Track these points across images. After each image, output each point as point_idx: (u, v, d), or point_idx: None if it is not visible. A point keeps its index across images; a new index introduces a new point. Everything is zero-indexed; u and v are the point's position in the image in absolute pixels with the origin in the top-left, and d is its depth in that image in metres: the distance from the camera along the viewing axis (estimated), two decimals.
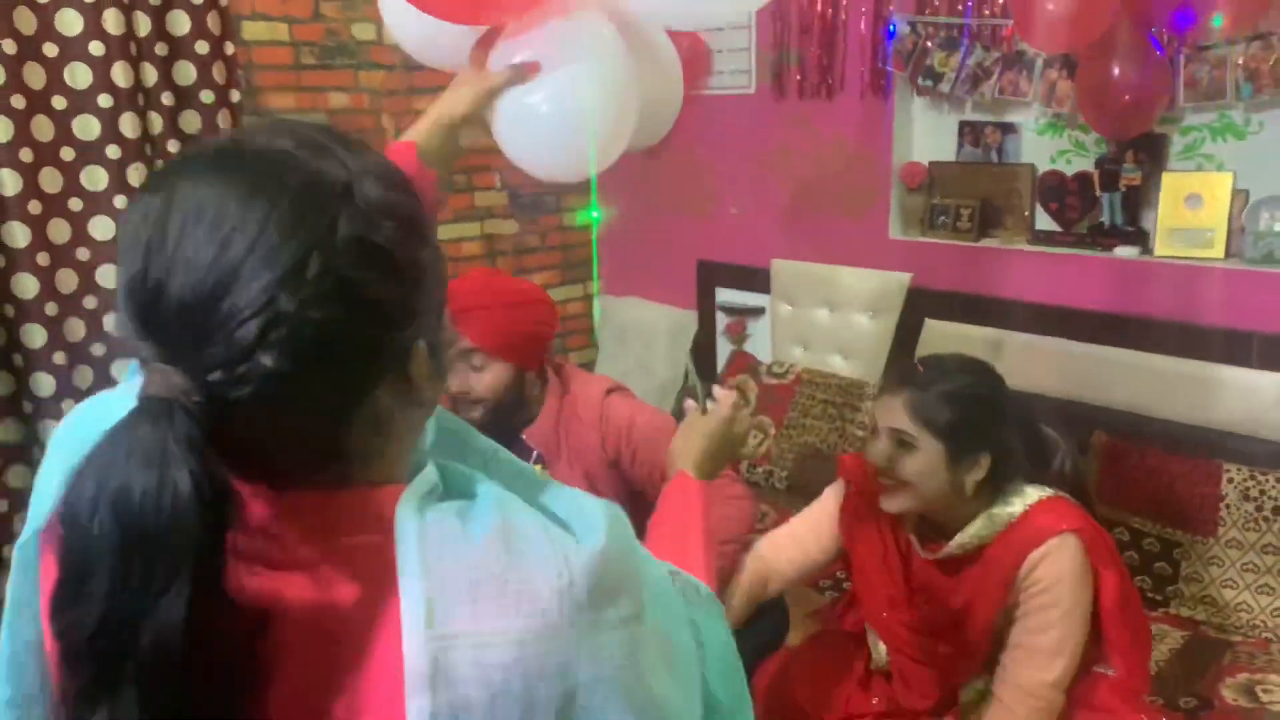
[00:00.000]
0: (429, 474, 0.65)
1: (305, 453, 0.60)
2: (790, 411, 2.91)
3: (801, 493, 2.78)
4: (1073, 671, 1.53)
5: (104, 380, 2.55)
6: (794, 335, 3.09)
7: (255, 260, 0.55)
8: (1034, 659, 1.51)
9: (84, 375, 2.53)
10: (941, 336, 2.70)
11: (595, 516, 0.65)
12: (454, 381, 1.73)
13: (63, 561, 0.55)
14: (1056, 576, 1.49)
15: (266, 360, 0.55)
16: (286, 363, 0.55)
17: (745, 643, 1.49)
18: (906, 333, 2.82)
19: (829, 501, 1.77)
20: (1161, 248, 2.38)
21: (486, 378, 1.77)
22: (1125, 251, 2.44)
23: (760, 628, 1.79)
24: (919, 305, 2.80)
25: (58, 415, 2.47)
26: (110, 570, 0.53)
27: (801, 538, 1.77)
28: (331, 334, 0.57)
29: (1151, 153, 2.40)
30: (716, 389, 1.33)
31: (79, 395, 2.51)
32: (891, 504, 1.56)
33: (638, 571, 0.65)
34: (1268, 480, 2.08)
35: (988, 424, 1.53)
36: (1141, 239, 2.44)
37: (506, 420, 1.80)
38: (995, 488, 1.55)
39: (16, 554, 0.71)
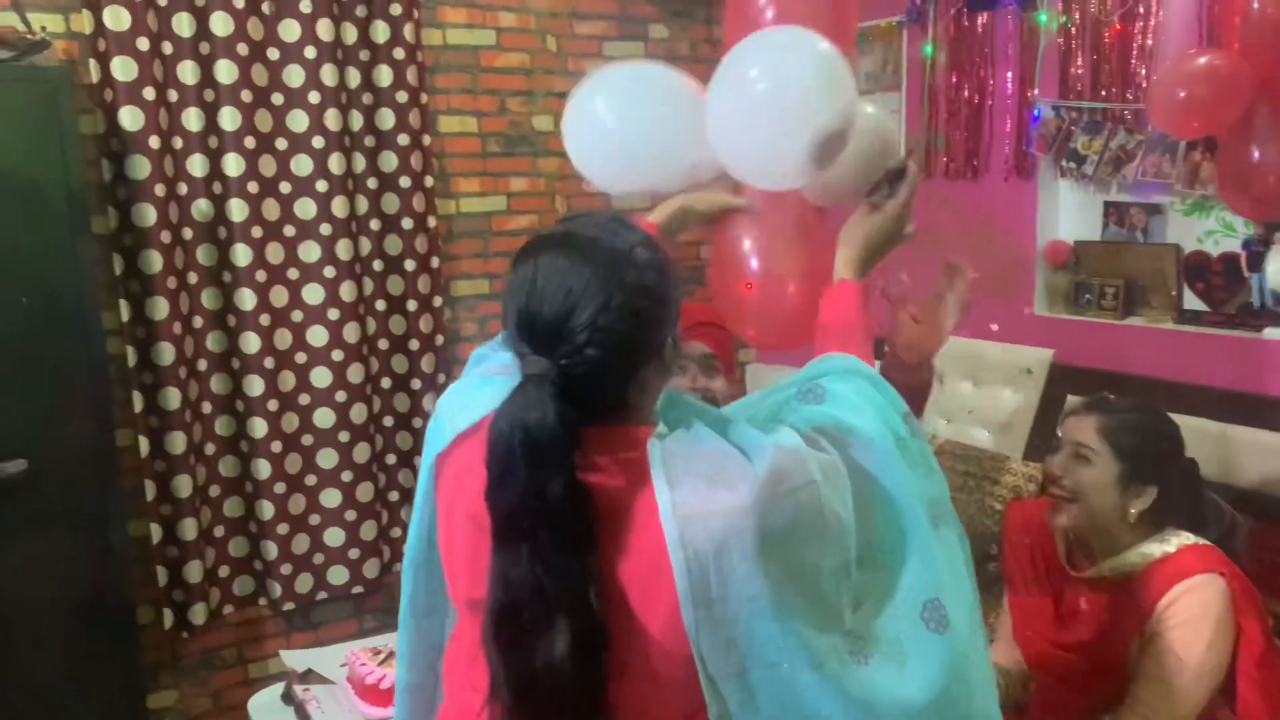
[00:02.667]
0: (659, 423, 1.05)
1: (609, 400, 1.01)
2: None
3: None
4: (1197, 713, 1.56)
5: (305, 384, 2.93)
6: (936, 407, 3.16)
7: (585, 299, 0.97)
8: (1165, 693, 1.56)
9: (287, 379, 2.91)
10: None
11: (765, 448, 0.99)
12: (689, 382, 1.89)
13: (491, 466, 0.97)
14: (1198, 613, 1.56)
15: (591, 352, 0.97)
16: (601, 353, 0.97)
17: None
18: (1049, 408, 2.84)
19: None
20: None
21: (719, 381, 2.00)
22: (1275, 333, 2.41)
23: None
24: (1062, 381, 2.82)
25: (264, 412, 2.87)
26: (523, 467, 0.95)
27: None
28: (626, 337, 0.99)
29: None
30: (909, 163, 1.40)
31: (283, 397, 2.91)
32: (1060, 517, 1.71)
33: (799, 466, 1.00)
34: None
35: (1161, 459, 1.68)
36: None
37: None
38: (1154, 524, 1.67)
39: (423, 476, 1.19)
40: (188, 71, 2.68)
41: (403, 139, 3.01)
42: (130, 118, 2.57)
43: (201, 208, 2.75)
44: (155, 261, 2.63)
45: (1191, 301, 2.63)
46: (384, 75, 2.97)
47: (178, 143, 2.70)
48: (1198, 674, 1.55)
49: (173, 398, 2.69)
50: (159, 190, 2.63)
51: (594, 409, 0.99)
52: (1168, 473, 1.68)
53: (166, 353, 2.67)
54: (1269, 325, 2.43)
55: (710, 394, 1.97)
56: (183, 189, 2.72)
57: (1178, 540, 1.64)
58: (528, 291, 0.99)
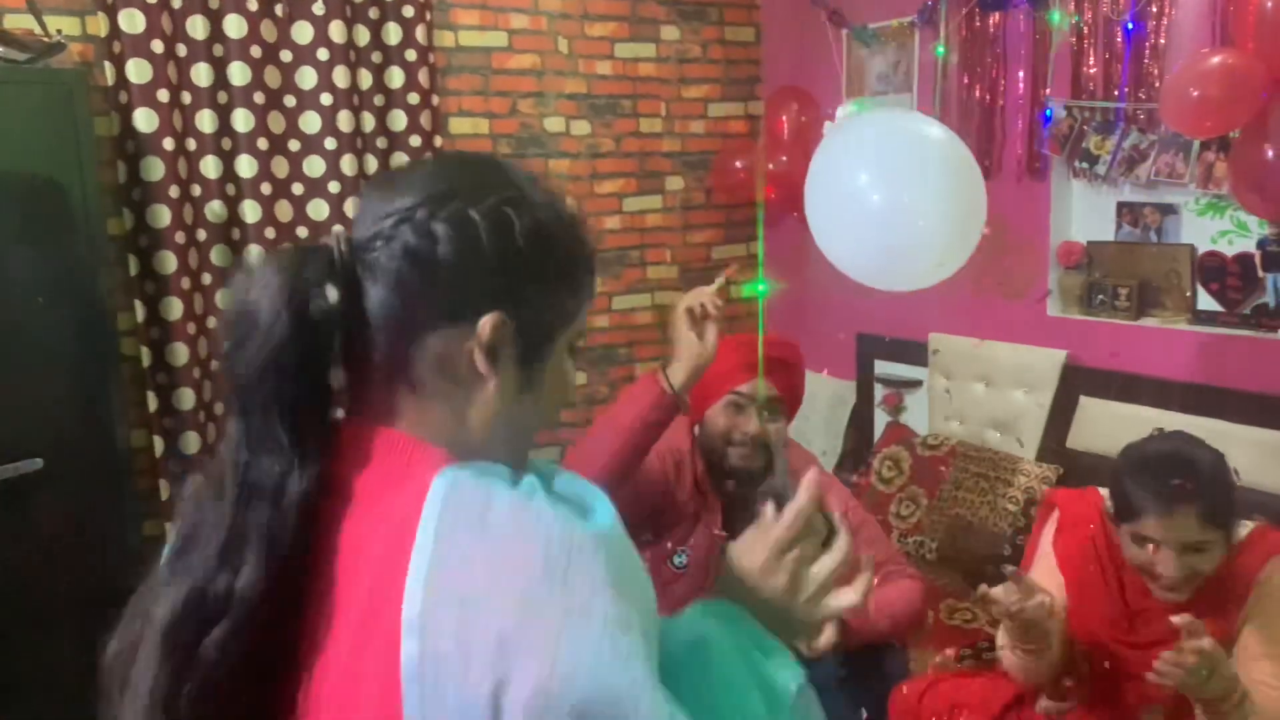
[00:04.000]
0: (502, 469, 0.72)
1: (381, 347, 0.75)
2: (944, 484, 2.96)
3: (952, 564, 2.82)
4: None
5: None
6: (950, 409, 3.15)
7: (417, 192, 0.76)
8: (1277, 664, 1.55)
9: None
10: (1097, 414, 2.71)
11: (598, 500, 0.72)
12: (746, 425, 1.88)
13: (238, 324, 0.75)
14: None
15: (379, 256, 0.74)
16: (389, 265, 0.74)
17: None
18: (1061, 409, 2.83)
19: (1044, 542, 1.86)
20: None
21: (778, 427, 1.93)
22: None
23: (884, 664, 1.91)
24: (1075, 382, 2.81)
25: None
26: (284, 328, 0.73)
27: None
28: (422, 261, 0.73)
29: None
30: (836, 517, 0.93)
31: None
32: (1182, 595, 1.61)
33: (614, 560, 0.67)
34: None
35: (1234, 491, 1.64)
36: None
37: (762, 469, 1.93)
38: None
39: None
40: (201, 74, 2.69)
41: (415, 140, 3.02)
42: (145, 119, 2.59)
43: (215, 209, 2.77)
44: (170, 262, 2.65)
45: (1206, 302, 2.62)
46: (396, 77, 2.98)
47: (191, 144, 2.72)
48: None
49: (187, 398, 2.70)
50: (173, 192, 2.64)
51: (362, 346, 0.74)
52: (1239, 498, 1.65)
53: (181, 353, 2.68)
54: None
55: (764, 438, 1.90)
56: (196, 190, 2.74)
57: (1243, 527, 1.66)
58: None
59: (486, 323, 0.74)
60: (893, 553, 2.06)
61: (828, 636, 1.55)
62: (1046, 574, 1.80)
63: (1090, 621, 1.74)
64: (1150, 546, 1.60)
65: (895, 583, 1.93)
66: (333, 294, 0.72)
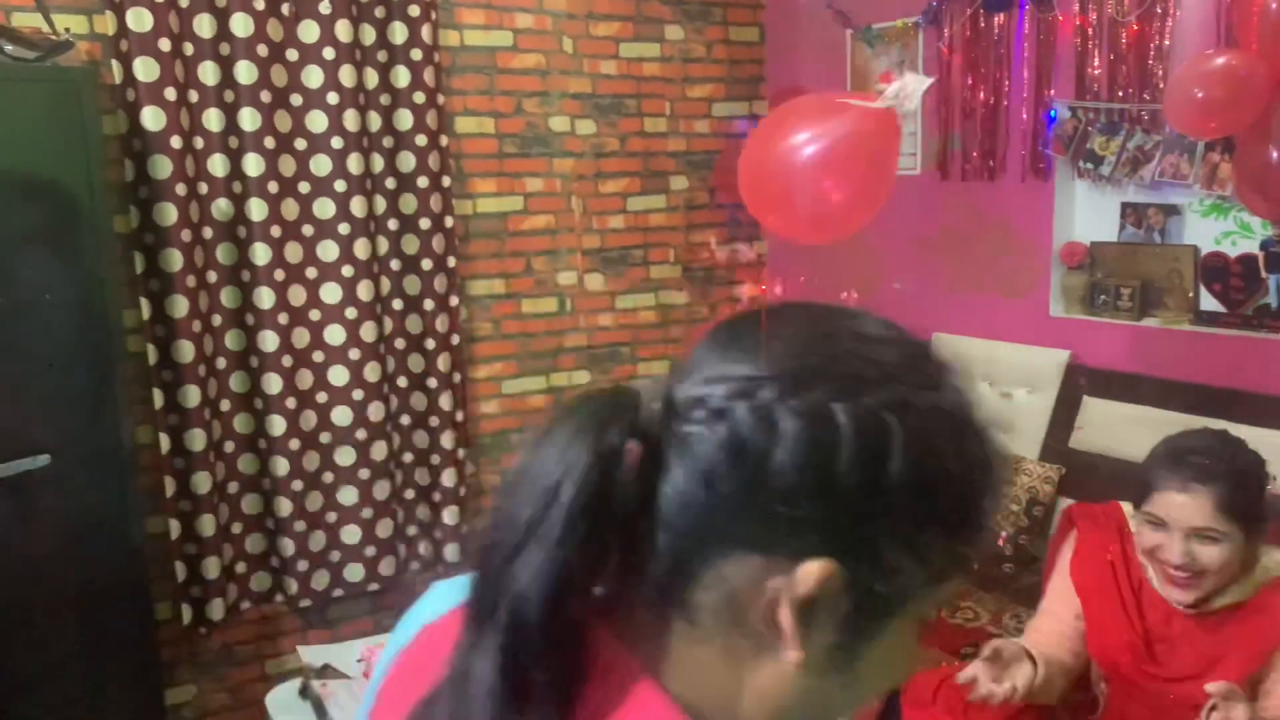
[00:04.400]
0: None
1: (648, 553, 0.55)
2: None
3: None
4: None
5: (323, 382, 2.96)
6: None
7: (745, 364, 0.55)
8: None
9: (305, 378, 2.94)
10: (1100, 415, 2.71)
11: None
12: None
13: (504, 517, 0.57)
14: None
15: (695, 431, 0.54)
16: (701, 449, 0.54)
17: None
18: (1065, 410, 2.84)
19: (1062, 562, 1.82)
20: None
21: None
22: None
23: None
24: (1078, 382, 2.82)
25: (282, 410, 2.89)
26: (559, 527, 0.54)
27: (1053, 612, 1.80)
28: (742, 460, 0.53)
29: None
30: None
31: (301, 395, 2.93)
32: (1187, 594, 1.57)
33: None
34: None
35: (1264, 493, 1.57)
36: None
37: None
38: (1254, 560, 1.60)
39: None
40: (208, 72, 2.71)
41: (420, 139, 3.03)
42: (152, 118, 2.60)
43: (221, 207, 2.78)
44: (175, 260, 2.66)
45: (1208, 302, 2.62)
46: (401, 76, 2.99)
47: (199, 143, 2.73)
48: None
49: (192, 395, 2.71)
50: (180, 190, 2.66)
51: (640, 543, 0.55)
52: (1269, 499, 1.58)
53: (186, 350, 2.69)
54: None
55: None
56: (203, 188, 2.75)
57: (1275, 556, 1.59)
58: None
59: (812, 572, 0.52)
60: None
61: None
62: (1063, 595, 1.78)
63: (1109, 648, 1.71)
64: (1163, 533, 1.55)
65: None
66: (631, 460, 0.54)
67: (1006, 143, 2.99)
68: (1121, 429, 2.61)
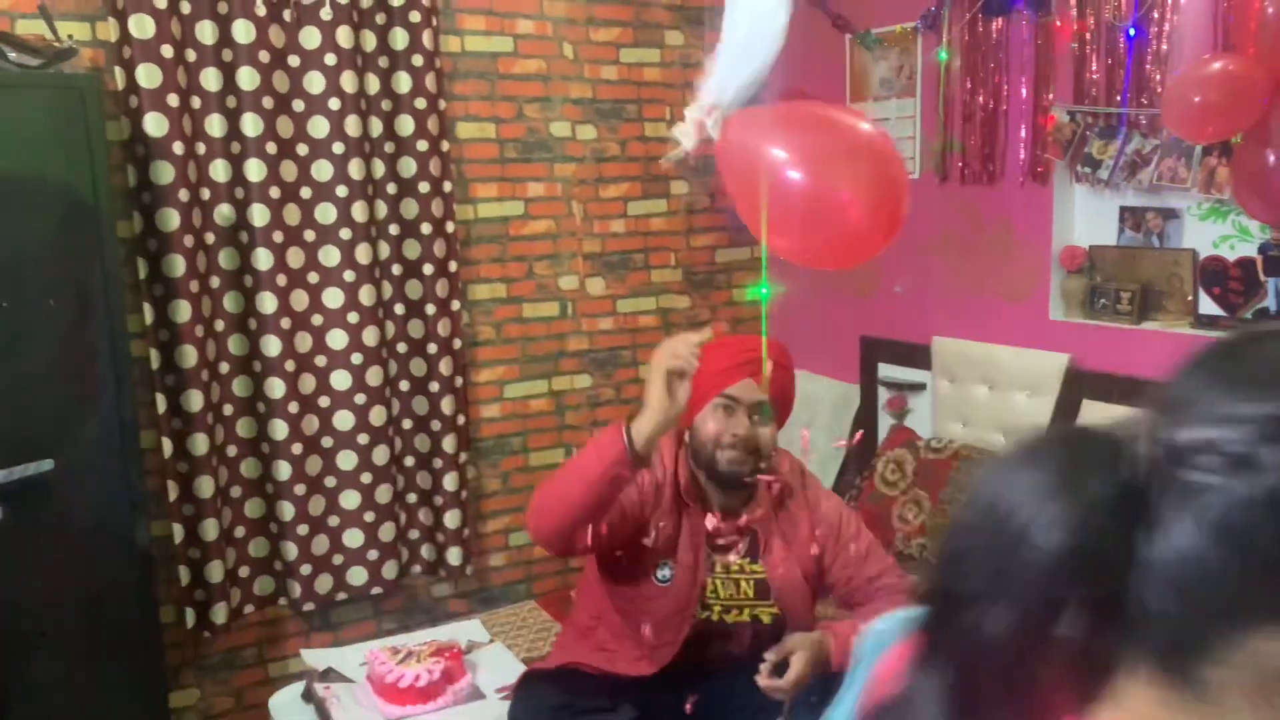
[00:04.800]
0: None
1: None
2: (948, 486, 2.98)
3: None
4: None
5: (325, 386, 2.97)
6: (954, 411, 3.17)
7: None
8: None
9: (307, 382, 2.96)
10: (1100, 418, 2.72)
11: None
12: (735, 427, 1.89)
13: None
14: None
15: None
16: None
17: None
18: (1064, 412, 2.85)
19: None
20: None
21: (770, 431, 1.94)
22: None
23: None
24: (1078, 386, 2.83)
25: (285, 414, 2.90)
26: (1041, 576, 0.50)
27: None
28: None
29: None
30: None
31: (303, 399, 2.94)
32: None
33: None
34: None
35: None
36: None
37: (751, 472, 1.95)
38: None
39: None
40: (210, 78, 2.72)
41: (421, 145, 3.04)
42: (155, 124, 2.61)
43: (224, 212, 2.79)
44: (178, 265, 2.67)
45: (1208, 306, 2.63)
46: (403, 82, 3.01)
47: (201, 148, 2.74)
48: None
49: (195, 400, 2.72)
50: (182, 195, 2.67)
51: (1121, 610, 0.51)
52: None
53: (189, 355, 2.71)
54: None
55: (755, 442, 1.92)
56: (205, 194, 2.76)
57: None
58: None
59: None
60: (889, 565, 2.06)
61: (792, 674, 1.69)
62: None
63: None
64: None
65: (889, 601, 1.94)
66: (1116, 511, 0.49)
67: (1005, 146, 3.01)
68: None
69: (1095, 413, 2.75)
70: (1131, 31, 2.63)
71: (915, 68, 3.26)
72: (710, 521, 1.90)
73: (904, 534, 3.00)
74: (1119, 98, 2.68)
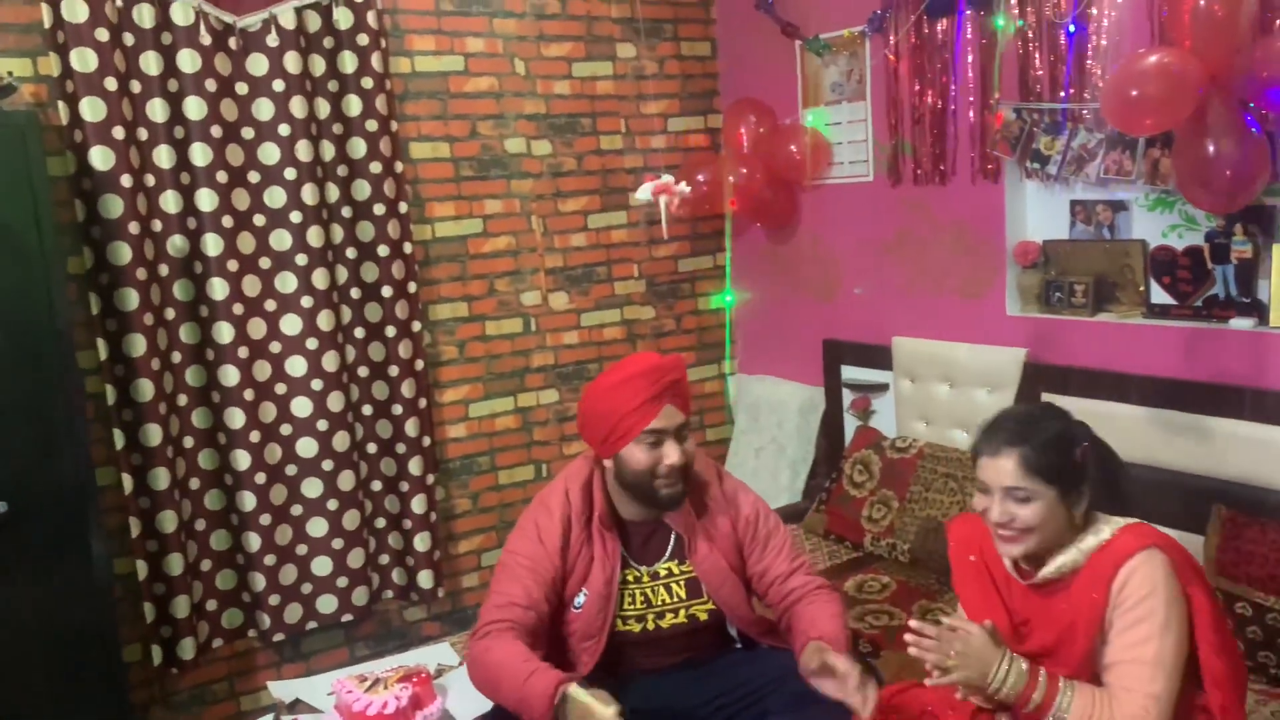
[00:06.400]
0: None
1: None
2: (913, 485, 2.99)
3: (924, 565, 2.85)
4: (1175, 690, 1.60)
5: (286, 414, 2.96)
6: (916, 410, 3.18)
7: None
8: (1136, 672, 1.60)
9: (268, 410, 2.94)
10: None
11: None
12: (670, 457, 1.93)
13: None
14: (1148, 589, 1.60)
15: None
16: None
17: None
18: (1057, 413, 2.85)
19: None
20: (1277, 318, 2.37)
21: (689, 446, 1.97)
22: (1241, 323, 2.44)
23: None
24: (1036, 379, 2.85)
25: (246, 444, 2.88)
26: None
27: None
28: None
29: (1261, 224, 2.41)
30: None
31: (265, 428, 2.93)
32: (1015, 549, 1.69)
33: None
34: None
35: (1083, 459, 1.68)
36: (1257, 310, 2.43)
37: (683, 493, 2.00)
38: (1088, 517, 1.71)
39: None
40: (157, 109, 2.70)
41: (375, 167, 3.03)
42: (101, 157, 2.59)
43: (176, 243, 2.77)
44: (132, 299, 2.65)
45: (1159, 295, 2.66)
46: (353, 105, 3.00)
47: (150, 180, 2.72)
48: (1161, 648, 1.59)
49: (154, 434, 2.70)
50: (133, 228, 2.65)
51: None
52: (1091, 468, 1.69)
53: (146, 389, 2.68)
54: (1235, 316, 2.46)
55: (688, 462, 1.95)
56: (157, 226, 2.74)
57: (1110, 527, 1.68)
58: None
59: None
60: (803, 563, 2.09)
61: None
62: (962, 608, 1.89)
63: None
64: (987, 497, 1.70)
65: (820, 604, 1.98)
66: None
67: (955, 146, 3.03)
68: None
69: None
70: (1072, 28, 2.66)
71: (864, 71, 3.29)
72: (615, 562, 2.02)
73: (873, 534, 3.00)
74: (1062, 94, 2.71)
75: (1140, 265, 2.68)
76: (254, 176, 2.88)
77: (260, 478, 2.92)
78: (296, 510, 3.00)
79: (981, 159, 2.95)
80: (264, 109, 2.86)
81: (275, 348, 2.93)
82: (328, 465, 3.02)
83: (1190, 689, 1.63)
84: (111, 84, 2.60)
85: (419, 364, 3.15)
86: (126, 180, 2.63)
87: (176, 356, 2.79)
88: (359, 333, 3.09)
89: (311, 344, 2.96)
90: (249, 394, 2.89)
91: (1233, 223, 2.44)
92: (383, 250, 3.07)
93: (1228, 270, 2.48)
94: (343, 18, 2.94)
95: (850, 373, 3.48)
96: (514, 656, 1.82)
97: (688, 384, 2.02)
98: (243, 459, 2.89)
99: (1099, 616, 1.64)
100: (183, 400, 2.81)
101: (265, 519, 2.94)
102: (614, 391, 1.94)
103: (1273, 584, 2.18)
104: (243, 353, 2.88)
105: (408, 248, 3.11)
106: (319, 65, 2.95)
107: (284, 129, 2.87)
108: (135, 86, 2.68)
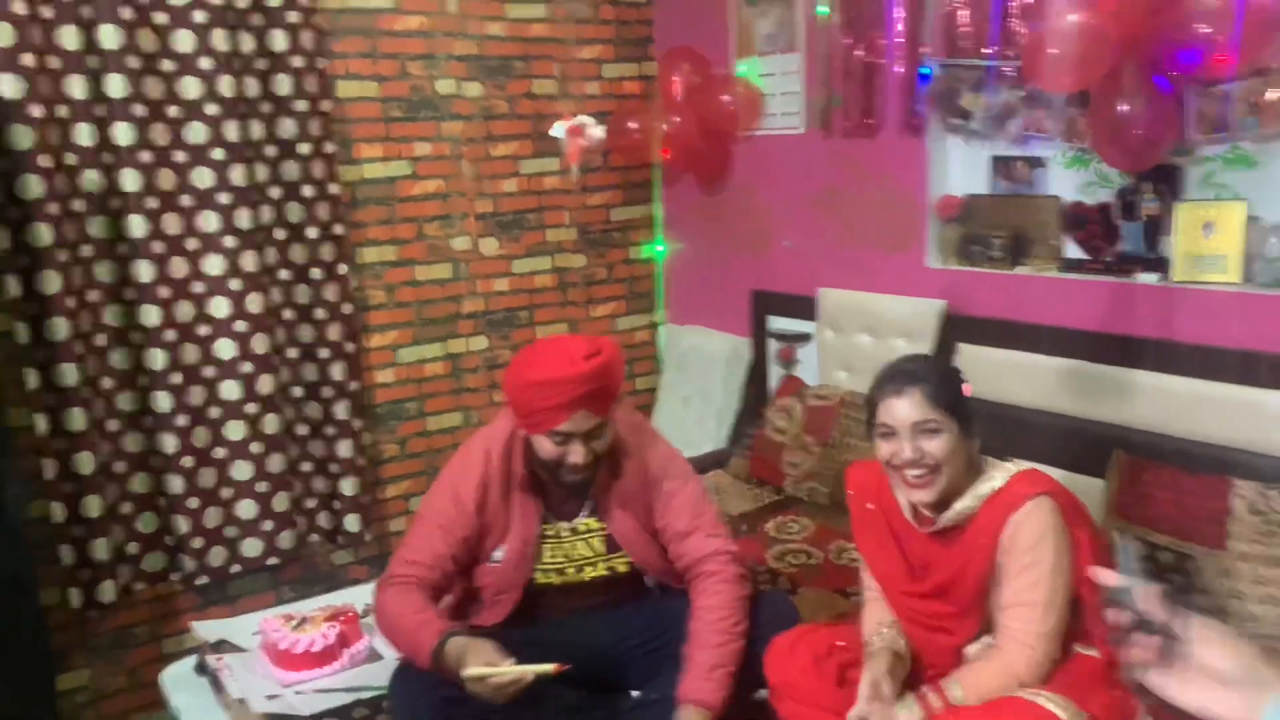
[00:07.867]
0: None
1: None
2: (833, 431, 3.07)
3: (842, 508, 2.93)
4: (1063, 626, 1.70)
5: (209, 356, 2.92)
6: (838, 360, 3.26)
7: None
8: (1028, 613, 1.70)
9: (190, 352, 2.90)
10: (974, 360, 2.84)
11: None
12: (573, 457, 1.94)
13: None
14: (1038, 534, 1.70)
15: None
16: None
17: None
18: (941, 357, 2.95)
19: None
20: (1180, 274, 2.48)
21: (602, 442, 1.99)
22: (1146, 278, 2.55)
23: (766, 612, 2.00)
24: (953, 330, 2.94)
25: (168, 386, 2.85)
26: None
27: (865, 579, 1.99)
28: None
29: (1169, 183, 2.51)
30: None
31: (186, 370, 2.88)
32: (926, 493, 1.74)
33: None
34: (1274, 495, 2.16)
35: (965, 397, 1.78)
36: (1162, 266, 2.54)
37: (593, 477, 2.05)
38: (982, 462, 1.80)
39: None
40: (76, 86, 2.62)
41: (301, 105, 2.97)
42: (20, 135, 2.49)
43: (92, 178, 2.68)
44: (45, 235, 2.56)
45: (1073, 250, 2.76)
46: (279, 40, 2.92)
47: (71, 159, 2.64)
48: (1052, 590, 1.69)
49: (70, 374, 2.63)
50: (44, 161, 2.55)
51: None
52: (972, 407, 1.79)
53: (61, 327, 2.61)
54: (1141, 271, 2.57)
55: (593, 456, 1.97)
56: (71, 159, 2.64)
57: (1003, 473, 1.77)
58: None
59: None
60: (704, 520, 2.08)
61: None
62: (863, 559, 1.97)
63: (890, 589, 1.89)
64: (894, 441, 1.75)
65: (708, 614, 1.98)
66: None
67: (884, 100, 3.08)
68: (996, 374, 2.74)
69: (971, 356, 2.86)
70: None
71: (797, 23, 3.30)
72: (534, 520, 2.07)
73: (793, 479, 3.08)
74: (987, 51, 2.76)
75: (1056, 221, 2.77)
76: (174, 111, 2.79)
77: (182, 420, 2.88)
78: (220, 453, 2.97)
79: (908, 113, 3.00)
80: (184, 40, 2.77)
81: (198, 288, 2.88)
82: (252, 409, 2.98)
83: (1074, 629, 1.74)
84: (29, 59, 2.49)
85: (346, 307, 3.12)
86: (44, 160, 2.53)
87: (94, 295, 2.72)
88: (284, 274, 3.04)
89: (235, 285, 2.91)
90: (170, 335, 2.83)
91: (1143, 181, 2.54)
92: (308, 191, 3.02)
93: (1136, 227, 2.58)
94: None
95: (777, 323, 3.54)
96: (407, 607, 1.91)
97: (615, 383, 1.97)
98: (164, 401, 2.84)
99: (990, 560, 1.73)
100: (100, 340, 2.74)
101: (188, 461, 2.90)
102: (529, 389, 1.91)
103: (1166, 524, 2.31)
104: (164, 292, 2.81)
105: (334, 188, 3.06)
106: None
107: (206, 62, 2.79)
108: (54, 62, 2.57)
